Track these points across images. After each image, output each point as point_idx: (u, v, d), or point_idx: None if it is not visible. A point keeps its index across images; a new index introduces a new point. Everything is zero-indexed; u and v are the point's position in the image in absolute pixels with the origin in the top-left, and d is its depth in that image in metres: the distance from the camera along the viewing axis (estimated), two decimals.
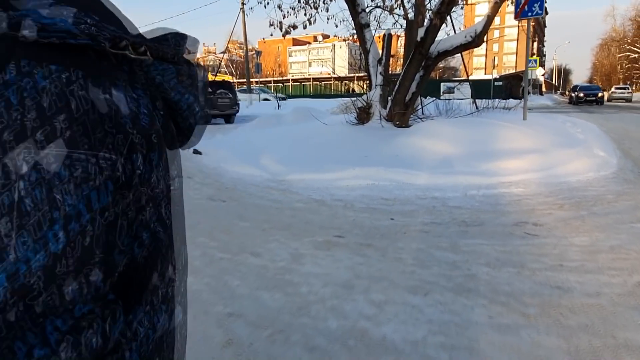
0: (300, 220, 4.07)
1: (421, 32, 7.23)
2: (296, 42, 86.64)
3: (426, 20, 7.44)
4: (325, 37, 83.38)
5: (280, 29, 8.06)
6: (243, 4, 21.25)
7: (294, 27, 8.29)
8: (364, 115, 8.03)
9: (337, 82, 39.16)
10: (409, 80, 7.65)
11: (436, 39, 7.51)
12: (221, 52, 38.78)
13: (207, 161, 6.63)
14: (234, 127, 11.95)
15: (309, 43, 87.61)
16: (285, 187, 5.34)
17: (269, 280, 2.81)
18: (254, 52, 27.85)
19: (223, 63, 45.29)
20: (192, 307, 2.44)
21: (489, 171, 5.31)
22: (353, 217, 4.14)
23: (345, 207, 4.46)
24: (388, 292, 2.61)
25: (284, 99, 29.00)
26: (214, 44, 76.63)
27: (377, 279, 2.81)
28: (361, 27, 8.49)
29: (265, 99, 28.98)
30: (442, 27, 7.56)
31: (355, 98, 8.74)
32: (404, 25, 8.79)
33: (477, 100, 10.97)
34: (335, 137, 7.02)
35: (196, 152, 7.71)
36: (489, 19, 7.30)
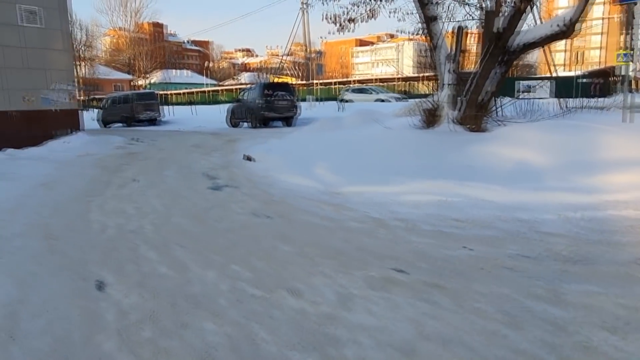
0: (353, 245, 3.43)
1: (501, 21, 6.26)
2: (361, 43, 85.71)
3: (507, 8, 6.45)
4: (391, 36, 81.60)
5: (335, 22, 7.45)
6: (303, 3, 20.96)
7: (351, 20, 7.61)
8: (431, 119, 7.20)
9: (402, 82, 37.82)
10: (484, 77, 6.70)
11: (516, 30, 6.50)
12: (284, 54, 39.05)
13: (257, 169, 6.18)
14: (290, 131, 11.56)
15: (373, 43, 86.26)
16: (339, 201, 4.72)
17: (306, 333, 2.20)
18: (314, 53, 27.26)
19: (286, 65, 45.57)
20: None
21: (589, 187, 4.31)
22: (417, 243, 3.42)
23: (407, 230, 3.75)
24: None
25: (399, 99, 26.56)
26: (277, 46, 77.61)
27: (448, 341, 2.10)
28: (429, 20, 7.65)
29: (379, 100, 25.40)
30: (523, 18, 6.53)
31: (419, 99, 7.89)
32: (477, 17, 7.82)
33: (560, 99, 9.60)
34: (398, 143, 6.28)
35: (248, 158, 7.33)
36: (585, 3, 6.15)
